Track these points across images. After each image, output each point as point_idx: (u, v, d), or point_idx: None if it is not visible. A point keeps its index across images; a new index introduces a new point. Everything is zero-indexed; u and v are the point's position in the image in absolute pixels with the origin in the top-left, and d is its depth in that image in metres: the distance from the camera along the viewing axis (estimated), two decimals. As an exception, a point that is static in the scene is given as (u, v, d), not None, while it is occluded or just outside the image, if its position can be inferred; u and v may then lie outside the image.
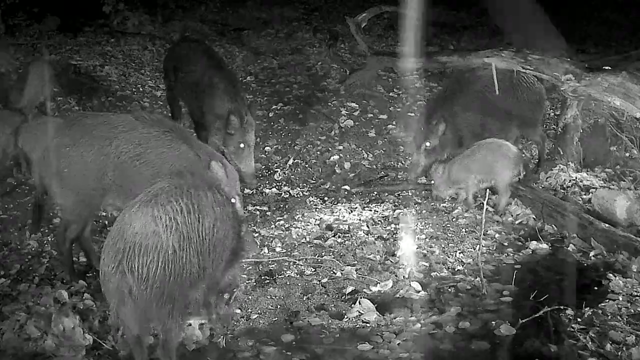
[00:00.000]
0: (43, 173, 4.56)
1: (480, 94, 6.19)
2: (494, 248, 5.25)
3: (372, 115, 8.19)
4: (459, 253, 5.16)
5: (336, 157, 7.18)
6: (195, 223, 3.51)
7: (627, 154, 6.73)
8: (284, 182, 6.64)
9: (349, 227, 5.65)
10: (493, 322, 4.12)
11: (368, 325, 4.18)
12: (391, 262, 5.03)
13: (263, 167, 6.93)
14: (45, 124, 4.73)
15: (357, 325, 4.18)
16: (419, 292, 4.58)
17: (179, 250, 3.43)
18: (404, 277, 4.79)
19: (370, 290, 4.61)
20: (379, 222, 5.78)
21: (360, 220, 5.83)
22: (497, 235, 5.46)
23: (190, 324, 3.94)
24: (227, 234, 3.74)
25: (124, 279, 3.34)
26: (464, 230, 5.56)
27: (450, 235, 5.48)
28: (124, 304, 3.40)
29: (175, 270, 3.41)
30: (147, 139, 4.48)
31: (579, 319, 4.08)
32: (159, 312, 3.44)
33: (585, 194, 5.97)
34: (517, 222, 5.69)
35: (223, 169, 4.51)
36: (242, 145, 5.95)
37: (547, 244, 5.24)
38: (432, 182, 5.99)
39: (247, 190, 6.17)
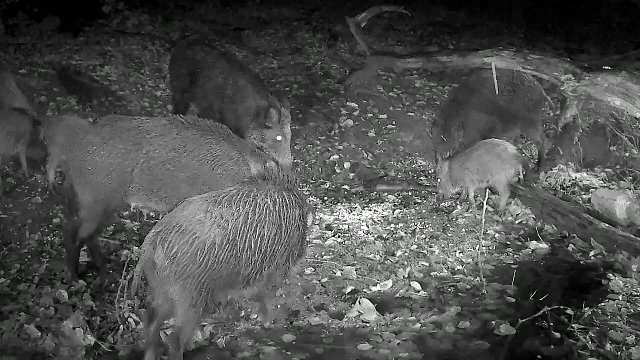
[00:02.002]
0: (68, 169, 4.61)
1: (489, 96, 6.20)
2: (494, 248, 5.25)
3: (372, 115, 8.19)
4: (459, 253, 5.16)
5: (336, 157, 7.19)
6: (249, 232, 3.62)
7: (627, 154, 6.74)
8: (284, 182, 6.63)
9: (349, 227, 5.65)
10: (493, 322, 4.12)
11: (368, 325, 4.18)
12: (391, 262, 5.03)
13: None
14: (77, 122, 4.76)
15: (357, 325, 4.18)
16: (419, 292, 4.58)
17: (218, 248, 3.53)
18: (404, 277, 4.79)
19: (370, 290, 4.62)
20: (379, 222, 5.78)
21: (360, 220, 5.83)
22: (497, 235, 5.46)
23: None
24: (292, 236, 3.84)
25: (154, 248, 3.50)
26: (464, 230, 5.56)
27: (450, 235, 5.48)
28: (151, 275, 3.55)
29: (207, 262, 3.51)
30: (183, 143, 4.49)
31: (579, 319, 4.08)
32: (181, 293, 3.52)
33: (585, 194, 5.97)
34: (517, 222, 5.69)
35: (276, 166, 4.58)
36: (279, 139, 5.96)
37: (547, 244, 5.24)
38: (439, 180, 5.99)
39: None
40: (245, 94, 6.15)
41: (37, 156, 6.10)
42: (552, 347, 3.84)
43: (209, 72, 6.41)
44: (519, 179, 5.85)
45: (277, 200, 3.78)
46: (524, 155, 6.39)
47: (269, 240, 3.70)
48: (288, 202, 3.83)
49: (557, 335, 3.94)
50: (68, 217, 4.93)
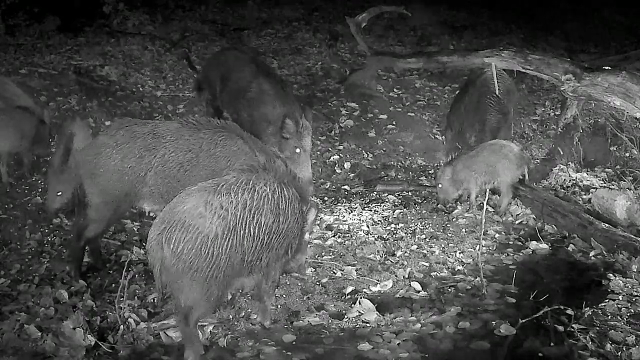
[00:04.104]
0: (78, 168, 4.61)
1: (495, 96, 6.23)
2: (494, 248, 5.25)
3: (372, 115, 8.19)
4: (459, 253, 5.16)
5: (336, 157, 7.19)
6: (248, 219, 3.66)
7: (627, 154, 6.74)
8: (284, 182, 6.62)
9: (349, 227, 5.65)
10: (493, 322, 4.12)
11: (368, 325, 4.19)
12: (391, 262, 5.03)
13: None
14: (88, 124, 4.77)
15: (357, 325, 4.18)
16: (419, 292, 4.59)
17: (220, 238, 3.57)
18: (404, 277, 4.79)
19: (370, 290, 4.62)
20: (379, 222, 5.78)
21: (360, 220, 5.83)
22: (497, 235, 5.46)
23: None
24: (290, 228, 3.87)
25: (160, 248, 3.56)
26: (464, 230, 5.56)
27: (450, 235, 5.48)
28: (161, 272, 3.61)
29: (212, 253, 3.56)
30: (198, 143, 4.51)
31: (579, 319, 4.08)
32: (190, 287, 3.60)
33: (585, 194, 5.97)
34: (517, 222, 5.69)
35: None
36: (298, 150, 5.78)
37: (547, 244, 5.24)
38: (440, 185, 5.92)
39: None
40: (265, 100, 6.08)
41: (42, 152, 6.12)
42: (552, 347, 3.84)
43: (236, 75, 6.39)
44: (520, 179, 5.85)
45: (276, 190, 3.81)
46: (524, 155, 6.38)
47: (266, 228, 3.73)
48: (287, 194, 3.85)
49: (557, 335, 3.94)
50: (75, 216, 4.90)
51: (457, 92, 7.21)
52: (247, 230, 3.66)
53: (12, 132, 5.93)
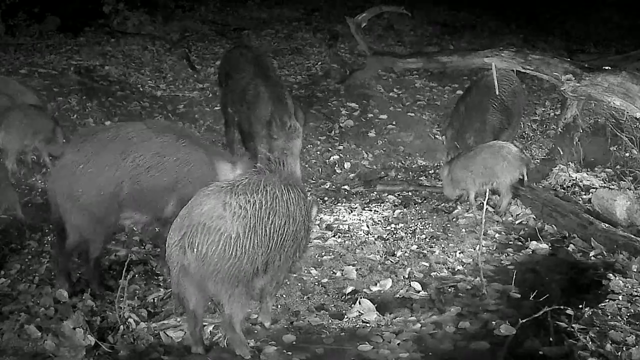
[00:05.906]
0: (54, 196, 4.40)
1: (501, 96, 6.23)
2: (494, 248, 5.25)
3: (372, 115, 8.19)
4: (459, 253, 5.16)
5: (336, 157, 7.19)
6: (264, 218, 3.67)
7: (627, 154, 6.74)
8: (284, 182, 6.62)
9: (349, 227, 5.65)
10: (493, 322, 4.11)
11: (368, 325, 4.18)
12: (391, 262, 5.03)
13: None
14: None
15: (357, 325, 4.18)
16: (419, 292, 4.58)
17: (242, 238, 3.58)
18: (404, 277, 4.79)
19: (370, 290, 4.62)
20: (379, 222, 5.78)
21: (360, 220, 5.83)
22: (497, 235, 5.45)
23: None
24: (298, 229, 3.88)
25: (183, 253, 3.55)
26: (464, 230, 5.56)
27: (450, 235, 5.48)
28: (183, 276, 3.61)
29: (236, 254, 3.56)
30: (163, 147, 4.40)
31: (579, 319, 4.08)
32: (216, 289, 3.62)
33: (585, 194, 5.97)
34: (517, 222, 5.69)
35: (233, 172, 4.51)
36: (285, 152, 5.79)
37: (547, 244, 5.24)
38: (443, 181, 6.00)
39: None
40: (260, 102, 6.09)
41: (55, 153, 6.14)
42: (552, 347, 3.84)
43: (238, 74, 6.40)
44: (519, 179, 5.84)
45: (284, 192, 3.82)
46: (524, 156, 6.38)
47: (280, 229, 3.74)
48: (293, 196, 3.86)
49: (557, 335, 3.93)
50: (57, 247, 4.59)
51: (461, 94, 7.20)
52: (264, 230, 3.66)
53: (22, 129, 5.91)
